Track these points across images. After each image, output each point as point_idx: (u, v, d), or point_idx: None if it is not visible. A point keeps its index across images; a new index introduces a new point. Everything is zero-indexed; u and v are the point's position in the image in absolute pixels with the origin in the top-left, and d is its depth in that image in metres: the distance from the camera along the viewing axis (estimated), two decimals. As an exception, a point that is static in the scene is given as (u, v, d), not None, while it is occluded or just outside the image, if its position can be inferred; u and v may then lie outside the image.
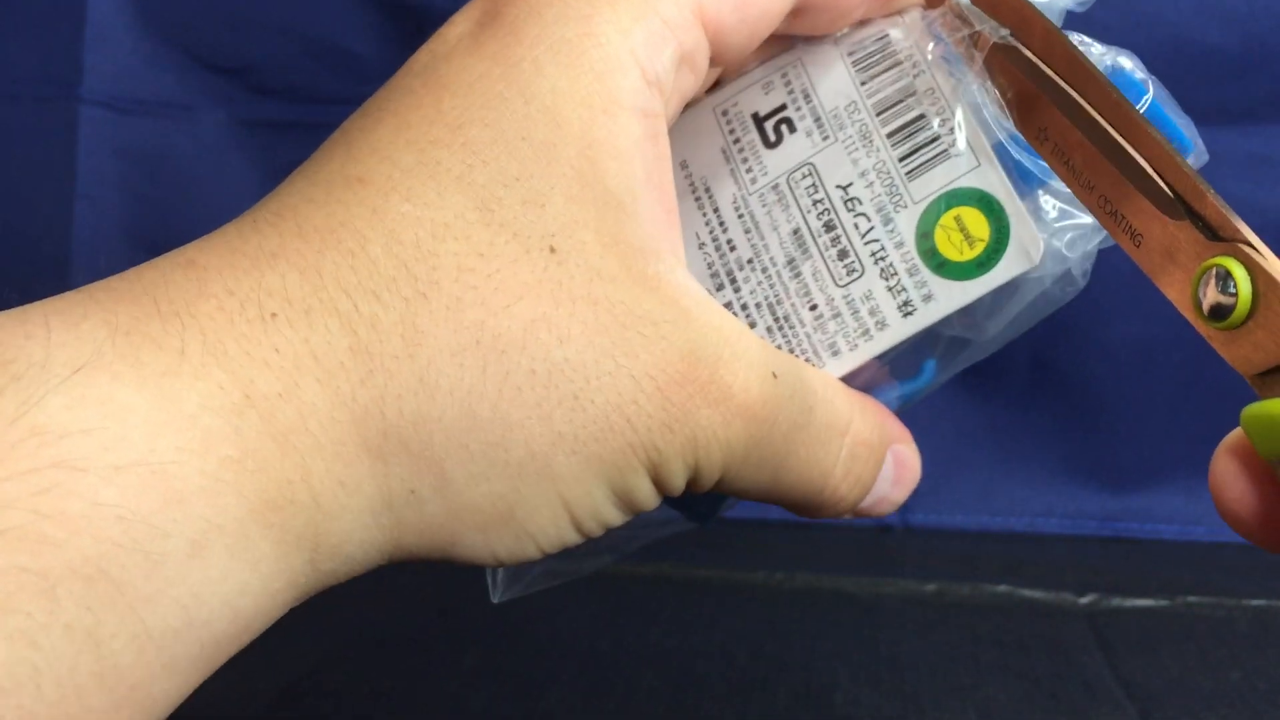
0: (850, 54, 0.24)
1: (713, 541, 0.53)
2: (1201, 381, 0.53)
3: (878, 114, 0.24)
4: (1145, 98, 0.23)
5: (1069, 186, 0.22)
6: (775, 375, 0.21)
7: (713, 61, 0.22)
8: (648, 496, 0.21)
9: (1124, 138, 0.21)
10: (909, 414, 0.26)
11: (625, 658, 0.39)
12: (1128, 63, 0.24)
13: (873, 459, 0.24)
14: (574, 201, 0.20)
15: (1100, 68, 0.23)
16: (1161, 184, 0.20)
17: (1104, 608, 0.43)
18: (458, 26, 0.22)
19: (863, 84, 0.24)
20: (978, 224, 0.23)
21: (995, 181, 0.23)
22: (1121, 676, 0.36)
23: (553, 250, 0.20)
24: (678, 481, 0.21)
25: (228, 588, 0.17)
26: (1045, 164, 0.23)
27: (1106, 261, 0.56)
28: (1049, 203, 0.24)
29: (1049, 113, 0.22)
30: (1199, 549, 0.52)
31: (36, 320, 0.17)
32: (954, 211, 0.23)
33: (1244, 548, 0.58)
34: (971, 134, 0.23)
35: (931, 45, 0.24)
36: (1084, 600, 0.44)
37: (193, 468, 0.17)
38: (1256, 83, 0.50)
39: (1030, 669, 0.37)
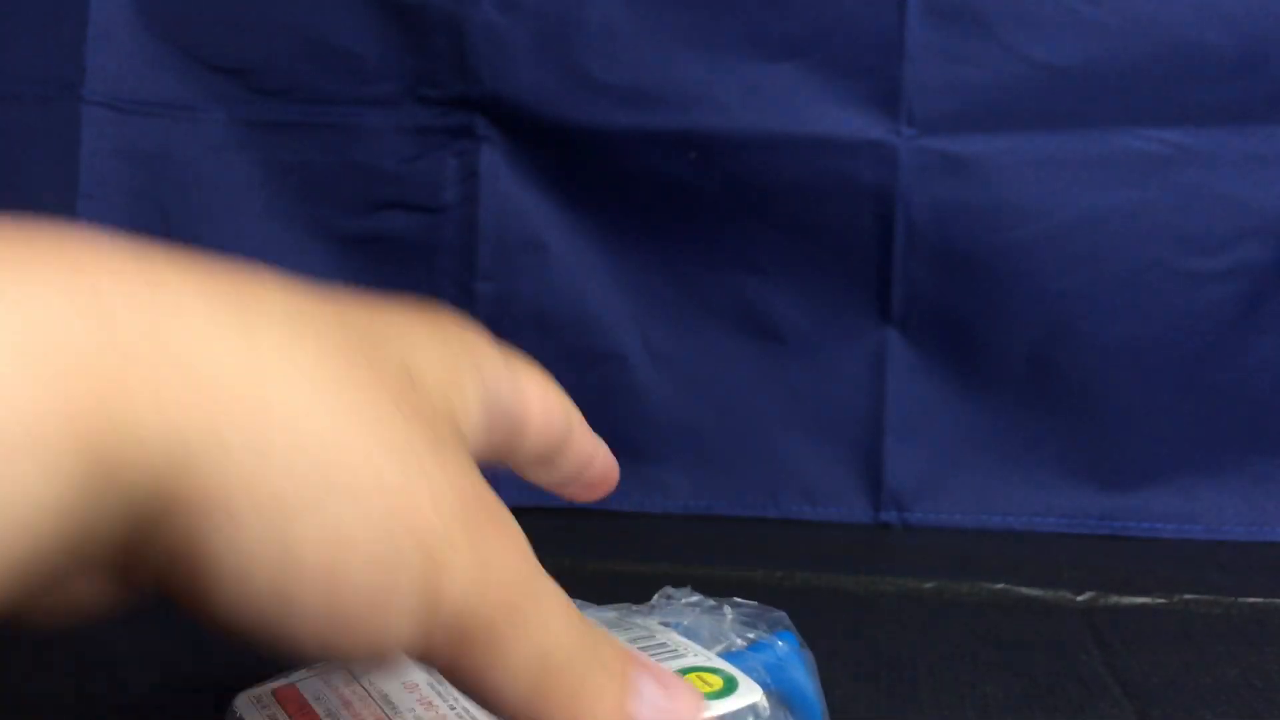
0: None
1: (711, 541, 0.53)
2: (1201, 381, 0.53)
3: None
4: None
5: None
6: None
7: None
8: None
9: None
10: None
11: (625, 655, 0.39)
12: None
13: None
14: None
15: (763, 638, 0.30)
16: None
17: (1101, 606, 0.43)
18: None
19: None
20: None
21: None
22: (1119, 674, 0.36)
23: None
24: None
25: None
26: None
27: (1106, 261, 0.56)
28: None
29: None
30: (1196, 547, 0.52)
31: None
32: None
33: (1240, 546, 0.58)
34: None
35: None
36: (1081, 598, 0.44)
37: None
38: (1255, 83, 0.50)
39: (1028, 667, 0.37)
